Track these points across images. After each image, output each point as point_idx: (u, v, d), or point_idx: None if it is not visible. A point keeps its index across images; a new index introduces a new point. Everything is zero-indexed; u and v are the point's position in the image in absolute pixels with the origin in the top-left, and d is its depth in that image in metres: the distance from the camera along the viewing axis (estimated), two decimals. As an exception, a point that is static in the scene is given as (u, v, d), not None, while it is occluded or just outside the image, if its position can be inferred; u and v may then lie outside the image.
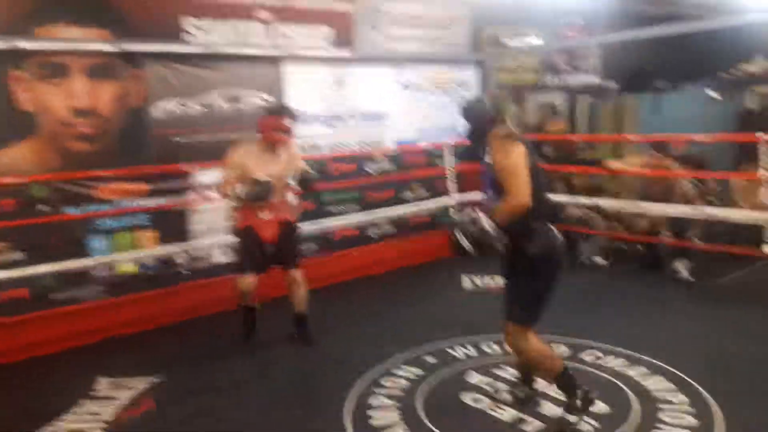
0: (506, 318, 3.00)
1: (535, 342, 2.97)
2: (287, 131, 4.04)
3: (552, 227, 2.92)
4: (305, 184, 4.20)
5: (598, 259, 5.98)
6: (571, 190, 6.39)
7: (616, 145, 7.56)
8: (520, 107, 7.79)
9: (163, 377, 3.82)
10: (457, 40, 6.84)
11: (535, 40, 7.70)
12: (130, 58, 4.76)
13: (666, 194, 5.54)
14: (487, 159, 2.91)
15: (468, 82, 6.95)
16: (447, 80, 6.78)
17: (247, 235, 4.06)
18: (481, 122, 2.98)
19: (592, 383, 3.41)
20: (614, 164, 5.95)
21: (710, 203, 5.83)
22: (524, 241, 2.83)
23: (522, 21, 7.44)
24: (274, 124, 3.98)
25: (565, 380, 3.00)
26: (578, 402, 2.98)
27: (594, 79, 8.48)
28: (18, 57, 4.29)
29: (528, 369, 3.27)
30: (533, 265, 2.87)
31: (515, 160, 2.76)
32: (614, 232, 6.08)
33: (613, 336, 4.06)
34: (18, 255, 4.36)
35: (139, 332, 4.59)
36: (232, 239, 4.53)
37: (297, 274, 4.13)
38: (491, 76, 6.89)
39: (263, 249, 4.05)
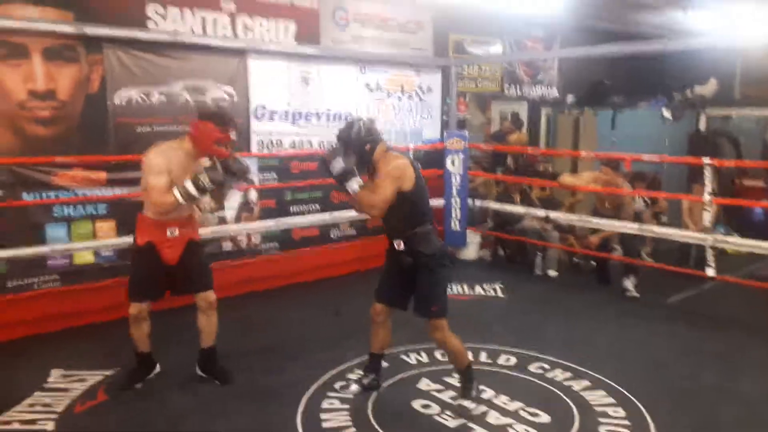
0: (428, 316, 3.30)
1: (451, 334, 3.35)
2: (231, 145, 3.45)
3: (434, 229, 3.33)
4: (230, 177, 3.43)
5: (551, 272, 6.16)
6: (528, 201, 6.57)
7: (574, 159, 7.80)
8: (485, 115, 7.94)
9: (117, 370, 3.81)
10: (422, 45, 6.93)
11: (497, 50, 7.85)
12: (93, 42, 4.66)
13: (617, 210, 5.76)
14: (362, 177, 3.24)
15: (432, 87, 7.05)
16: (411, 84, 6.85)
17: (145, 254, 3.45)
18: (361, 144, 3.21)
19: (536, 395, 3.59)
20: (568, 179, 6.13)
21: (660, 222, 6.09)
22: (421, 243, 3.24)
23: (486, 30, 7.58)
24: (219, 137, 3.37)
25: (469, 372, 3.44)
26: (473, 392, 3.42)
27: (553, 92, 8.71)
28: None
29: (377, 358, 3.67)
30: (434, 263, 3.25)
31: (393, 173, 3.16)
32: (568, 246, 6.28)
33: (560, 349, 4.21)
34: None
35: (94, 323, 4.55)
36: (130, 255, 3.82)
37: (209, 296, 3.58)
38: (453, 83, 7.00)
39: (161, 272, 3.49)
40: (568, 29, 8.12)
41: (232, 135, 3.43)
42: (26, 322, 4.31)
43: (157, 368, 3.74)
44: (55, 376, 3.72)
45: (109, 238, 4.83)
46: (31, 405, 3.40)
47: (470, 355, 4.06)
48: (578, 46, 7.50)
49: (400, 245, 3.29)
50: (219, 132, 3.36)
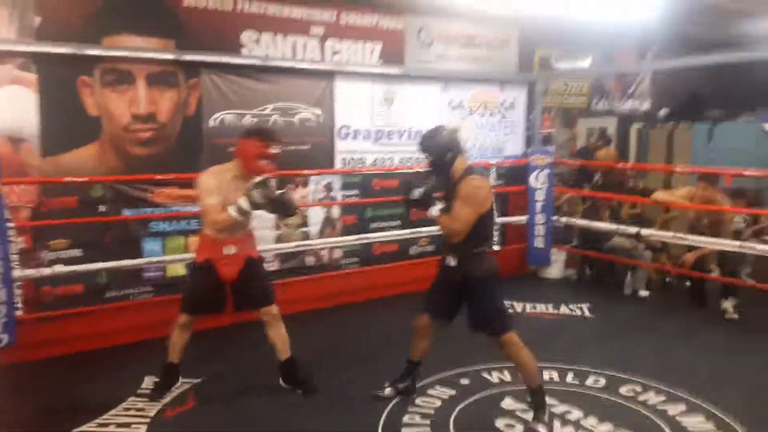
0: (492, 333, 3.27)
1: (524, 348, 3.26)
2: (274, 160, 3.54)
3: (487, 252, 3.35)
4: (281, 206, 3.49)
5: (643, 292, 5.88)
6: (619, 219, 6.32)
7: (668, 174, 7.45)
8: (570, 131, 7.75)
9: (204, 378, 3.95)
10: (507, 61, 6.86)
11: (585, 64, 7.66)
12: (191, 67, 4.93)
13: (715, 228, 5.43)
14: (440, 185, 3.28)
15: (516, 103, 6.96)
16: (494, 100, 6.80)
17: (204, 271, 3.55)
18: (442, 151, 3.24)
19: (627, 418, 3.42)
20: (661, 195, 5.85)
21: (763, 240, 5.68)
22: (474, 264, 3.26)
23: (574, 44, 7.40)
24: (262, 152, 3.46)
25: (540, 394, 3.30)
26: (544, 418, 3.26)
27: (645, 105, 8.38)
28: (88, 63, 4.52)
29: (415, 365, 3.68)
30: (484, 283, 3.26)
31: (476, 199, 3.17)
32: (660, 265, 5.98)
33: (652, 371, 4.00)
34: (76, 252, 4.59)
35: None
36: (188, 271, 4.19)
37: (271, 310, 3.64)
38: (538, 98, 6.86)
39: (219, 289, 3.56)
40: (660, 39, 7.79)
41: (274, 149, 3.50)
42: (123, 330, 4.56)
43: (180, 381, 3.80)
44: (148, 382, 3.87)
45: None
46: (127, 409, 3.57)
47: (556, 376, 3.98)
48: (672, 56, 7.18)
49: (451, 262, 3.32)
50: (261, 147, 3.46)
